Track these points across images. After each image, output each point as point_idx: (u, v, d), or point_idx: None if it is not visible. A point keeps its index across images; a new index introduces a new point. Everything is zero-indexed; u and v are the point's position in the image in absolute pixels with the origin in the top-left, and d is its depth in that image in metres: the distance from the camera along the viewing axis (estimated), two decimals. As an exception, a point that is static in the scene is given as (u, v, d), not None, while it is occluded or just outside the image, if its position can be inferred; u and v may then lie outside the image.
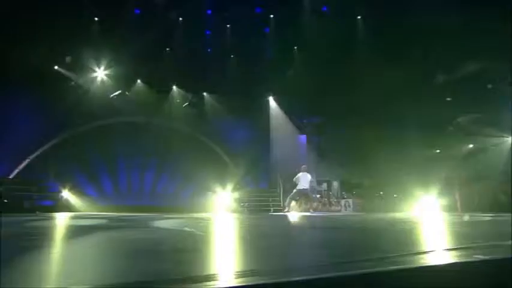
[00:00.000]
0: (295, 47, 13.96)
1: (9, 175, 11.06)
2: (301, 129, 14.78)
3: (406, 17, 10.56)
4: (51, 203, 9.86)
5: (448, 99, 11.99)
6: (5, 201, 9.04)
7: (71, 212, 9.87)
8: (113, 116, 13.07)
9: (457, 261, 1.64)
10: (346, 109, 12.62)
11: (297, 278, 1.25)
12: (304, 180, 9.87)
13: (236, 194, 12.31)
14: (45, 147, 11.70)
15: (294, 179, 10.10)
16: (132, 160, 13.64)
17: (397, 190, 11.15)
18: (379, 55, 11.39)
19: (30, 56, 10.37)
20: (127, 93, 13.06)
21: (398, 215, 7.72)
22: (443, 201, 9.49)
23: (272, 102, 15.21)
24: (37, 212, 9.02)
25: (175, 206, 12.35)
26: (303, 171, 10.02)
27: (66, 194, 10.34)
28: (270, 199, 12.94)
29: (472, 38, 9.77)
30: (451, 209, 9.39)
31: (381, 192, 11.47)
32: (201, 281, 1.29)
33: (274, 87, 14.60)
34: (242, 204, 12.43)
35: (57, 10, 10.10)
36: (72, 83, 12.01)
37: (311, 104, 13.97)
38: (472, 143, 11.73)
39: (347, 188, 11.91)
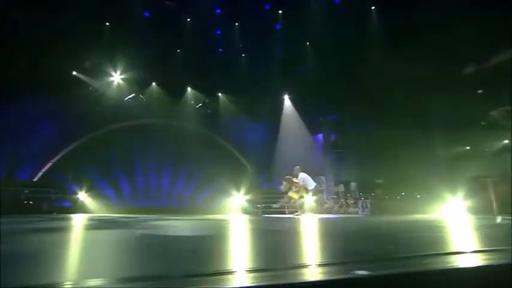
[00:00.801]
0: (309, 43, 13.63)
1: (33, 178, 11.69)
2: (317, 128, 14.39)
3: (429, 4, 9.92)
4: (69, 204, 10.30)
5: (480, 91, 11.12)
6: (25, 202, 9.57)
7: (86, 213, 10.22)
8: (130, 119, 13.45)
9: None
10: (365, 105, 12.11)
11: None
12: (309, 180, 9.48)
13: (250, 196, 12.17)
14: (67, 149, 12.24)
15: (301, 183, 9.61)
16: (149, 162, 13.95)
17: (421, 190, 10.47)
18: (401, 46, 10.76)
19: (50, 61, 10.95)
20: (141, 96, 13.36)
21: (421, 216, 7.16)
22: (472, 203, 8.75)
23: (287, 101, 14.97)
24: (54, 213, 9.42)
25: (191, 209, 12.46)
26: (300, 172, 9.62)
27: (83, 196, 10.72)
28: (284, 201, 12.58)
29: (506, 23, 8.95)
30: (481, 211, 8.63)
31: (403, 193, 10.84)
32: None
33: (289, 86, 14.36)
34: (257, 206, 12.28)
35: (68, 15, 10.56)
36: (90, 87, 12.49)
37: (328, 101, 13.59)
38: (507, 139, 10.77)
39: (366, 188, 11.37)
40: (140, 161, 13.72)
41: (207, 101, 14.20)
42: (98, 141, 12.78)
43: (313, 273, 1.44)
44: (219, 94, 14.95)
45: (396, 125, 10.56)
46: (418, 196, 10.42)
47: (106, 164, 12.38)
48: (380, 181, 11.43)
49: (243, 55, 14.13)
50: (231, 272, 1.43)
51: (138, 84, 13.53)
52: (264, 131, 14.70)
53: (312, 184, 9.50)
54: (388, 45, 11.26)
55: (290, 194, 9.71)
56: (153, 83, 14.01)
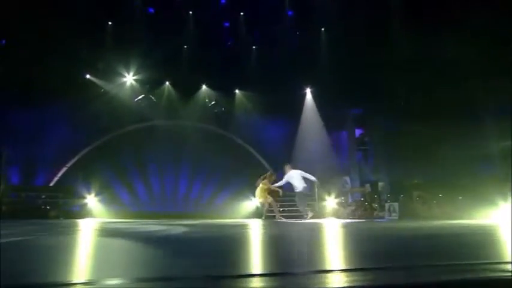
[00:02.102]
0: (325, 29, 12.66)
1: (50, 183, 11.95)
2: (342, 123, 13.34)
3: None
4: (78, 208, 10.34)
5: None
6: (42, 207, 9.74)
7: (94, 217, 10.18)
8: (142, 121, 13.39)
9: None
10: (396, 96, 10.98)
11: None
12: (299, 180, 9.04)
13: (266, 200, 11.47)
14: (82, 153, 12.41)
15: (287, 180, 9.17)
16: (164, 165, 13.79)
17: (464, 192, 9.16)
18: (439, 25, 9.46)
19: (63, 65, 11.16)
20: (151, 96, 13.23)
21: (463, 222, 6.08)
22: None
23: (309, 95, 14.10)
24: (61, 218, 9.44)
25: (208, 213, 12.11)
26: (291, 169, 9.28)
27: (92, 200, 10.71)
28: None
29: None
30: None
31: (440, 195, 9.58)
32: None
33: (310, 78, 13.47)
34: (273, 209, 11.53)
35: (78, 17, 10.65)
36: (102, 90, 12.59)
37: (353, 93, 12.55)
38: None
39: (397, 189, 10.21)
40: (155, 164, 13.59)
41: (218, 98, 13.69)
42: (112, 144, 12.82)
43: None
44: (236, 91, 14.40)
45: (433, 117, 9.37)
46: (460, 198, 9.12)
47: (120, 167, 12.36)
48: (413, 181, 10.23)
49: (254, 47, 13.48)
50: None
51: (151, 84, 13.42)
52: (284, 128, 13.97)
53: (298, 186, 8.86)
54: (421, 25, 9.99)
55: (256, 193, 9.43)
56: (166, 83, 13.82)
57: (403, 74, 10.60)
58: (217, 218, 10.79)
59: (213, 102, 13.94)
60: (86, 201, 10.39)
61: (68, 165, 12.30)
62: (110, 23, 11.93)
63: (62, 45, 11.08)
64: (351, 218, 9.49)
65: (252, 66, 13.61)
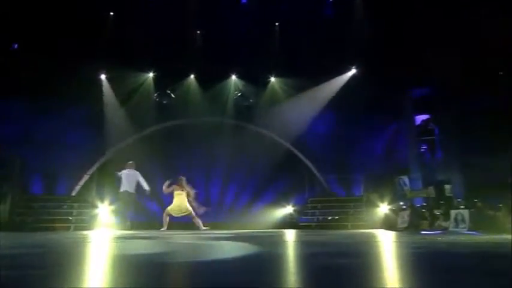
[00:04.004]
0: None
1: (71, 192, 12.43)
2: (399, 109, 11.75)
3: None
4: (89, 218, 10.51)
5: None
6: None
7: (106, 228, 10.22)
8: (166, 120, 13.31)
9: None
10: (473, 73, 9.40)
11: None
12: (128, 180, 9.09)
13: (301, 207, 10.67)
14: (102, 160, 12.72)
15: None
16: (192, 170, 13.54)
17: None
18: None
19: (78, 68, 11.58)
20: (170, 93, 13.06)
21: None
22: None
23: (355, 75, 12.77)
24: (71, 228, 9.62)
25: (244, 223, 11.62)
26: (130, 168, 9.36)
27: (104, 210, 10.80)
28: (351, 211, 10.58)
29: None
30: None
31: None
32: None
33: (355, 53, 12.14)
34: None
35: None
36: (120, 89, 12.78)
37: (415, 70, 11.00)
38: None
39: (470, 192, 8.52)
40: (182, 168, 13.39)
41: (250, 90, 13.04)
42: (134, 148, 12.92)
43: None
44: (272, 78, 13.58)
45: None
46: None
47: (142, 173, 12.37)
48: (494, 181, 8.45)
49: (277, 24, 12.53)
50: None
51: (175, 78, 13.30)
52: (329, 119, 12.82)
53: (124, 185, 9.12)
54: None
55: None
56: (191, 76, 13.57)
57: (484, 40, 8.94)
58: (254, 228, 10.45)
59: (238, 94, 13.30)
60: (97, 211, 10.49)
61: (89, 172, 12.65)
62: (111, 13, 11.97)
63: (77, 48, 11.38)
64: (402, 229, 8.08)
65: (288, 47, 12.66)
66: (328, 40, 12.01)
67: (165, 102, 13.01)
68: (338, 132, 12.74)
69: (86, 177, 12.60)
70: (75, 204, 10.77)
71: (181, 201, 9.28)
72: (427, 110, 11.30)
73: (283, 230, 10.07)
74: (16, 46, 11.41)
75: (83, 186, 12.45)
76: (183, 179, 9.65)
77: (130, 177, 9.41)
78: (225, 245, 4.33)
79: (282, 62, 12.85)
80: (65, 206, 10.66)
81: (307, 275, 2.21)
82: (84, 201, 11.07)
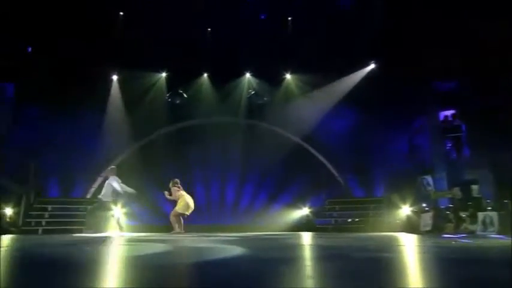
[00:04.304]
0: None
1: (86, 194, 12.62)
2: (422, 104, 11.25)
3: None
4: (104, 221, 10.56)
5: None
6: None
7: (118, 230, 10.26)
8: (179, 121, 13.29)
9: None
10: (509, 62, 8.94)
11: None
12: (107, 188, 9.27)
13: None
14: (116, 161, 12.81)
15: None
16: (208, 170, 13.49)
17: None
18: None
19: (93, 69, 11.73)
20: (182, 93, 13.01)
21: None
22: None
23: (374, 71, 12.35)
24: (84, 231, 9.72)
25: (261, 225, 11.48)
26: (109, 174, 9.48)
27: (118, 212, 10.85)
28: (370, 213, 10.21)
29: None
30: None
31: None
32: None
33: (379, 47, 11.72)
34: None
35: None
36: (134, 89, 12.86)
37: (437, 62, 10.52)
38: None
39: (499, 193, 8.01)
40: (198, 170, 13.36)
41: (264, 87, 12.83)
42: (148, 150, 12.99)
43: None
44: (287, 76, 13.32)
45: None
46: None
47: (158, 174, 12.40)
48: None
49: (290, 18, 12.23)
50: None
51: (186, 78, 13.26)
52: (347, 116, 12.46)
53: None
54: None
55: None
56: (204, 75, 13.49)
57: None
58: (269, 230, 10.43)
59: (253, 92, 13.13)
60: (111, 213, 10.54)
61: (103, 174, 12.75)
62: (121, 13, 12.02)
63: (90, 50, 11.51)
64: (424, 233, 7.68)
65: (303, 42, 12.36)
66: (345, 33, 11.65)
67: (177, 102, 12.98)
68: (357, 130, 12.34)
69: (99, 180, 12.74)
70: (89, 207, 10.85)
71: (188, 198, 9.24)
72: (452, 105, 10.72)
73: (298, 232, 9.82)
74: (30, 49, 11.58)
75: (98, 189, 12.59)
76: (178, 180, 9.66)
77: (106, 185, 9.57)
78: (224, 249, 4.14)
79: (297, 58, 12.58)
80: (79, 209, 10.78)
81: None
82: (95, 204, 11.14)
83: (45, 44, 11.48)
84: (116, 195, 9.52)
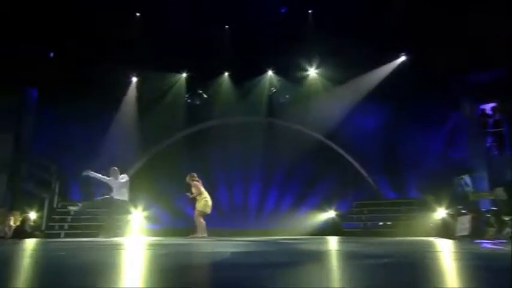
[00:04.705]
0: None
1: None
2: (460, 97, 10.61)
3: None
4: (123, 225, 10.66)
5: None
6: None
7: (138, 234, 10.34)
8: (200, 121, 13.25)
9: None
10: None
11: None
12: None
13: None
14: (136, 164, 12.95)
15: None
16: (231, 173, 13.38)
17: None
18: None
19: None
20: (202, 93, 12.95)
21: None
22: None
23: (405, 63, 11.81)
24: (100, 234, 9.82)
25: (287, 229, 11.28)
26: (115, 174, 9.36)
27: (138, 215, 10.95)
28: (402, 216, 9.72)
29: None
30: None
31: None
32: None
33: (410, 38, 11.19)
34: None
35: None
36: (152, 94, 12.95)
37: (475, 51, 9.92)
38: None
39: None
40: (218, 171, 13.27)
41: (278, 84, 12.56)
42: (169, 151, 13.03)
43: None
44: (311, 71, 12.95)
45: None
46: None
47: (177, 177, 12.41)
48: None
49: (310, 11, 11.87)
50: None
51: (207, 78, 13.22)
52: (377, 113, 11.99)
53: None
54: None
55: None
56: (225, 73, 13.39)
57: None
58: (297, 234, 10.18)
59: (275, 90, 12.88)
60: (131, 217, 10.64)
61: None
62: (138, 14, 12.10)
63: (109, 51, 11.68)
64: (460, 237, 7.15)
65: (325, 35, 11.97)
66: (371, 24, 11.16)
67: (198, 103, 12.96)
68: (387, 127, 11.86)
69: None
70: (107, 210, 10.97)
71: (207, 195, 9.02)
72: (492, 97, 10.00)
73: (324, 236, 9.48)
74: (52, 55, 11.90)
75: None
76: (193, 176, 9.37)
77: (116, 185, 9.54)
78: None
79: (320, 52, 12.22)
80: (99, 212, 10.93)
81: None
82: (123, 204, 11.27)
83: (65, 47, 11.74)
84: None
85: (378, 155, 12.10)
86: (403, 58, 11.96)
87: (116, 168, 9.70)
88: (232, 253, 4.37)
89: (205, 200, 8.93)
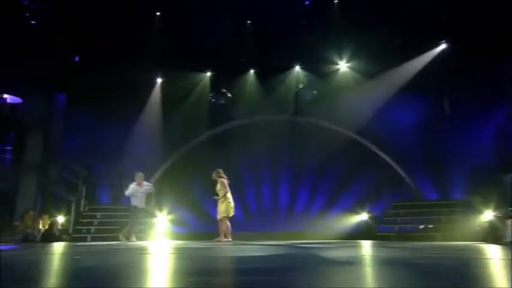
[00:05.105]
0: None
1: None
2: (509, 87, 9.77)
3: None
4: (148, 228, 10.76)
5: None
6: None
7: (163, 238, 10.36)
8: (226, 121, 13.12)
9: None
10: None
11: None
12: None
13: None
14: (162, 168, 13.01)
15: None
16: (258, 173, 13.15)
17: None
18: None
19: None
20: (226, 92, 12.81)
21: None
22: None
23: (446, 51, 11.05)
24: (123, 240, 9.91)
25: (318, 232, 10.94)
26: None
27: (163, 219, 10.98)
28: (443, 218, 9.06)
29: None
30: None
31: None
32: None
33: (452, 23, 10.46)
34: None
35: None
36: (177, 94, 12.99)
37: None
38: None
39: None
40: (246, 173, 13.07)
41: (306, 80, 12.15)
42: (194, 152, 13.01)
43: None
44: (342, 64, 12.42)
45: None
46: None
47: (203, 179, 12.34)
48: None
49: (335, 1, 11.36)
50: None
51: (233, 75, 13.08)
52: (415, 106, 11.33)
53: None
54: None
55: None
56: (251, 71, 13.18)
57: None
58: (328, 238, 9.88)
59: (302, 87, 12.51)
60: (155, 220, 10.70)
61: (151, 181, 12.97)
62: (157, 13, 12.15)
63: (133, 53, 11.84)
64: (508, 244, 6.48)
65: (355, 26, 11.43)
66: (406, 10, 10.51)
67: (222, 102, 12.86)
68: (428, 121, 11.18)
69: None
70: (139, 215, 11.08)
71: (230, 196, 8.83)
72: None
73: (357, 240, 9.00)
74: (77, 59, 12.26)
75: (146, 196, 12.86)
76: (219, 172, 9.18)
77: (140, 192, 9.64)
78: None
79: (350, 44, 11.71)
80: (124, 216, 11.06)
81: None
82: (144, 211, 11.37)
83: (89, 51, 12.02)
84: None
85: (417, 153, 11.40)
86: (443, 46, 11.16)
87: (141, 173, 9.72)
88: (253, 257, 4.16)
89: (228, 202, 8.74)
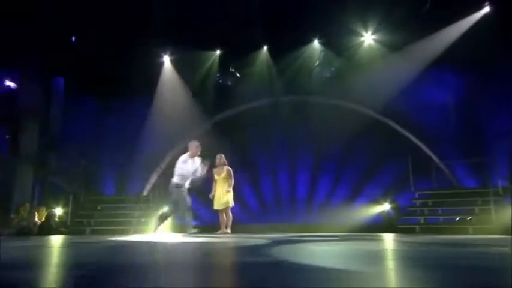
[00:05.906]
0: None
1: (142, 192, 12.67)
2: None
3: None
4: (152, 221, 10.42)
5: None
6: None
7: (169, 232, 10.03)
8: (238, 104, 12.59)
9: None
10: None
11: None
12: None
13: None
14: (168, 158, 12.60)
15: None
16: (274, 160, 12.65)
17: None
18: None
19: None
20: (234, 71, 12.22)
21: None
22: None
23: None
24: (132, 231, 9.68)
25: (341, 224, 10.43)
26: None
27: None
28: (476, 209, 8.30)
29: None
30: None
31: None
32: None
33: None
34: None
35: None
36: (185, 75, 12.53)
37: None
38: None
39: None
40: (261, 160, 12.59)
41: (325, 56, 11.40)
42: (201, 141, 12.54)
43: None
44: (365, 36, 11.56)
45: None
46: None
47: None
48: None
49: None
50: None
51: (244, 53, 12.47)
52: (452, 82, 10.46)
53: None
54: None
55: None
56: (264, 48, 12.53)
57: None
58: (350, 230, 9.34)
59: (316, 64, 11.75)
60: (161, 212, 10.34)
61: (157, 171, 12.67)
62: None
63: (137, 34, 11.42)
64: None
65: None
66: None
67: (229, 83, 12.32)
68: (465, 99, 10.31)
69: (154, 176, 12.70)
70: (137, 206, 10.84)
71: (220, 190, 8.31)
72: None
73: (377, 233, 8.36)
74: (74, 38, 11.89)
75: (154, 185, 12.57)
76: (222, 156, 8.57)
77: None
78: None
79: (373, 11, 10.84)
80: (131, 208, 10.83)
81: None
82: (147, 202, 11.09)
83: (86, 30, 11.60)
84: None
85: (452, 135, 10.61)
86: (486, 10, 10.15)
87: (196, 142, 7.88)
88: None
89: (231, 192, 8.39)
